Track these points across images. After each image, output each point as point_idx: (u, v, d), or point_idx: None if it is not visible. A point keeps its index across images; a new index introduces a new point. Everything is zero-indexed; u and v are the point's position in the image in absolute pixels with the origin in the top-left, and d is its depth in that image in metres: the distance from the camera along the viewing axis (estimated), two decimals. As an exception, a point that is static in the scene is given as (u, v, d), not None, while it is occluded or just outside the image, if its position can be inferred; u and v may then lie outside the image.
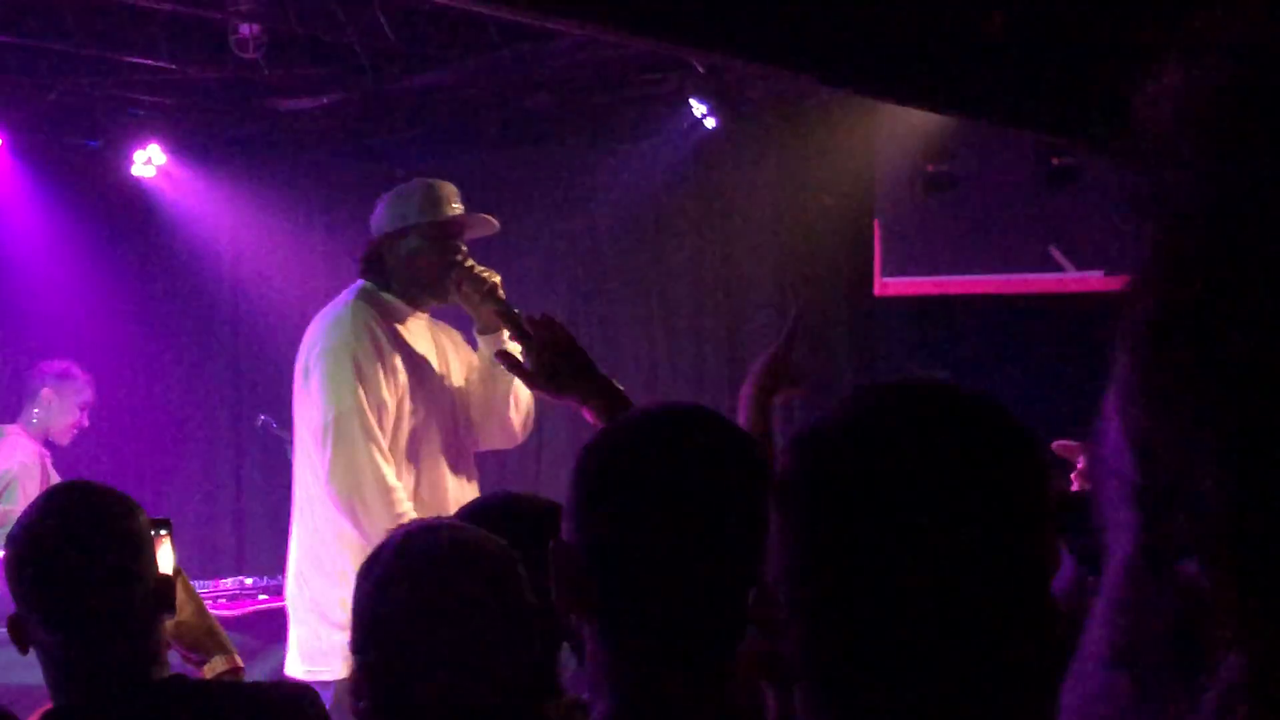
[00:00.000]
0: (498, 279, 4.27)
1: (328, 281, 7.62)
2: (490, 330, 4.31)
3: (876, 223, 6.67)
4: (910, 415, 1.13)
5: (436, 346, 4.43)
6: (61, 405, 6.15)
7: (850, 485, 1.10)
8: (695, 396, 7.05)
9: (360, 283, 4.39)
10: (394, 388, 4.23)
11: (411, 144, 7.53)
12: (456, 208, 4.35)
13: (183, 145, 7.23)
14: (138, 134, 7.03)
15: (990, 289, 6.57)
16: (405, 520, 3.93)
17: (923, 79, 4.53)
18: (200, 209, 7.50)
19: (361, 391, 4.15)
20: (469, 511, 2.36)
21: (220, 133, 7.33)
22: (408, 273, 4.30)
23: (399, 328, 4.33)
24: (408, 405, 4.26)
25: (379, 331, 4.23)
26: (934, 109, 5.40)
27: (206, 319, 7.73)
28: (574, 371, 2.61)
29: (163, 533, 2.37)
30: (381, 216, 4.37)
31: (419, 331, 4.39)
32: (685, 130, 7.15)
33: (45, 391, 6.16)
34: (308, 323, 7.50)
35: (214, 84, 6.71)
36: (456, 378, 4.45)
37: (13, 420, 6.21)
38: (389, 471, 4.12)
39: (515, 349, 2.86)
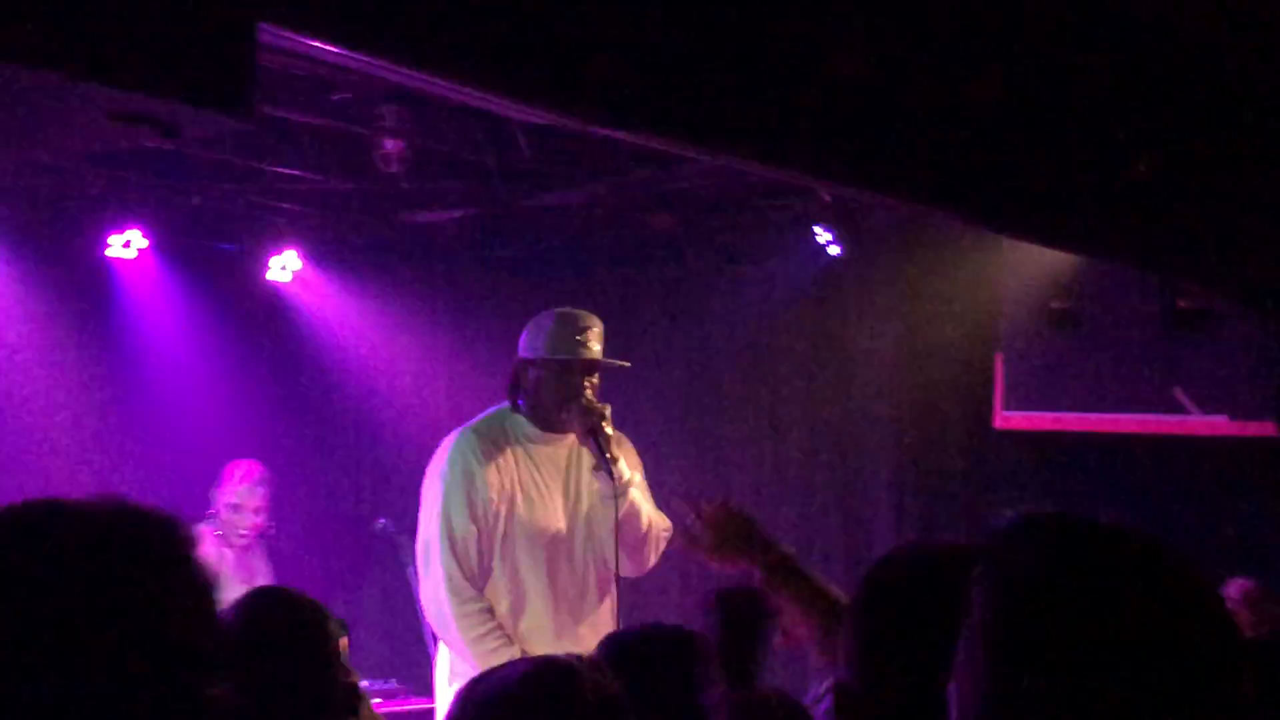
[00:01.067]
0: (607, 412, 4.38)
1: (448, 388, 7.76)
2: (596, 470, 4.43)
3: (999, 356, 6.68)
4: (1113, 563, 1.21)
5: (569, 470, 4.52)
6: (243, 507, 6.16)
7: (1062, 635, 1.18)
8: (801, 519, 7.06)
9: (503, 404, 4.54)
10: (486, 514, 4.36)
11: (537, 258, 7.67)
12: (587, 345, 4.45)
13: (318, 252, 7.41)
14: (276, 240, 7.22)
15: (1112, 427, 6.56)
16: (484, 641, 4.20)
17: (1058, 219, 4.55)
18: (332, 314, 7.66)
19: (448, 519, 4.34)
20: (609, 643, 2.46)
21: (355, 241, 7.51)
22: (534, 401, 4.46)
23: (523, 451, 4.45)
24: (502, 529, 4.38)
25: (483, 458, 4.37)
26: (1067, 248, 5.41)
27: (331, 421, 7.87)
28: (745, 540, 2.84)
29: (343, 636, 2.46)
30: (522, 341, 4.53)
31: (550, 456, 4.49)
32: (807, 256, 7.22)
33: (228, 491, 6.20)
34: (426, 427, 7.75)
35: (353, 195, 6.89)
36: (588, 501, 4.51)
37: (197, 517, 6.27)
38: (464, 594, 4.29)
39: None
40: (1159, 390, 6.43)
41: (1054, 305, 6.44)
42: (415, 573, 6.41)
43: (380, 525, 6.61)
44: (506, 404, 4.53)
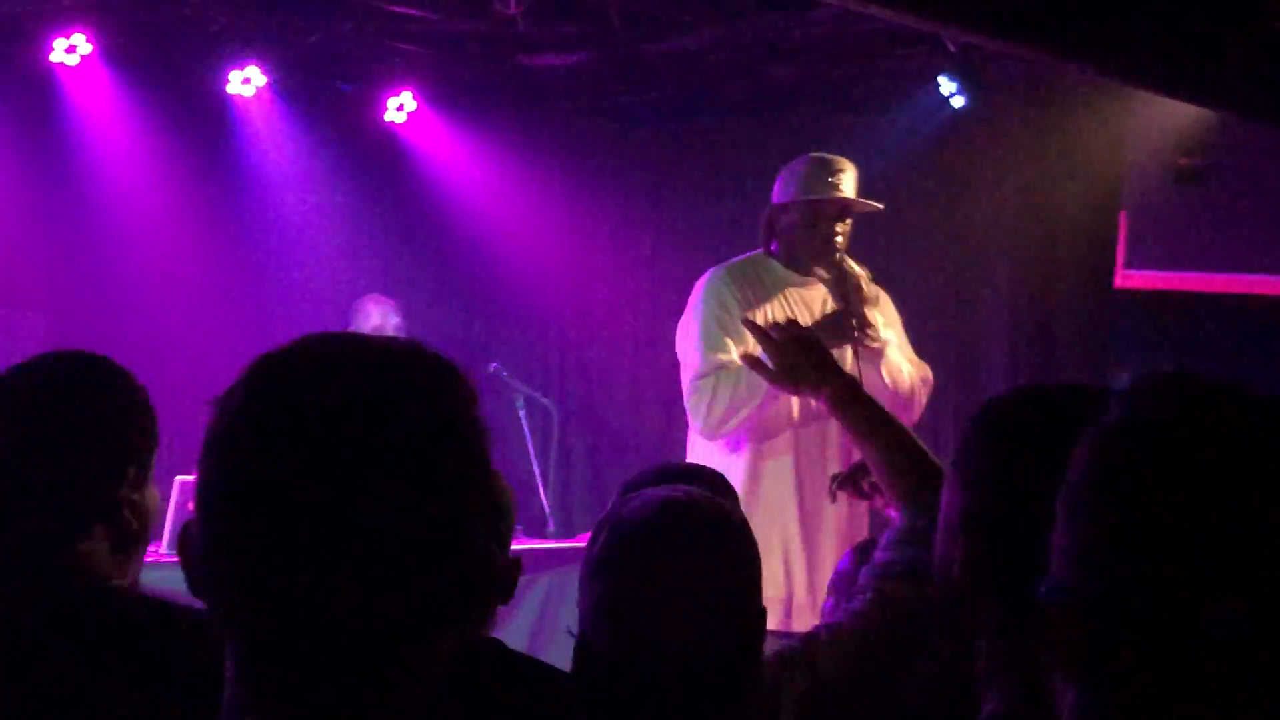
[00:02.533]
0: (862, 278, 4.44)
1: (559, 237, 7.86)
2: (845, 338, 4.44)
3: (1123, 214, 6.64)
4: (1244, 426, 1.16)
5: (823, 314, 4.56)
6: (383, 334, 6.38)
7: (1183, 486, 1.12)
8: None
9: (758, 250, 4.65)
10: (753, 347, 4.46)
11: (654, 106, 7.69)
12: (838, 186, 4.51)
13: (434, 94, 7.47)
14: (393, 80, 7.30)
15: (1238, 288, 6.49)
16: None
17: (1193, 72, 4.48)
18: (446, 157, 7.73)
19: (712, 349, 4.41)
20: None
21: (471, 84, 7.56)
22: (788, 247, 4.57)
23: (780, 294, 4.53)
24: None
25: (738, 293, 4.47)
26: (1199, 103, 5.33)
27: (446, 265, 8.01)
28: (813, 366, 2.82)
29: None
30: (775, 187, 4.62)
31: (807, 300, 4.56)
32: (931, 108, 7.16)
33: (364, 326, 6.37)
34: (537, 272, 7.92)
35: (471, 36, 6.92)
36: (853, 345, 4.50)
37: None
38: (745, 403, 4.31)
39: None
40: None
41: (1182, 161, 6.37)
42: (526, 414, 6.76)
43: (493, 368, 6.80)
44: (758, 250, 4.63)
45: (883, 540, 2.39)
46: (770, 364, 2.93)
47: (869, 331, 4.41)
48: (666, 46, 6.86)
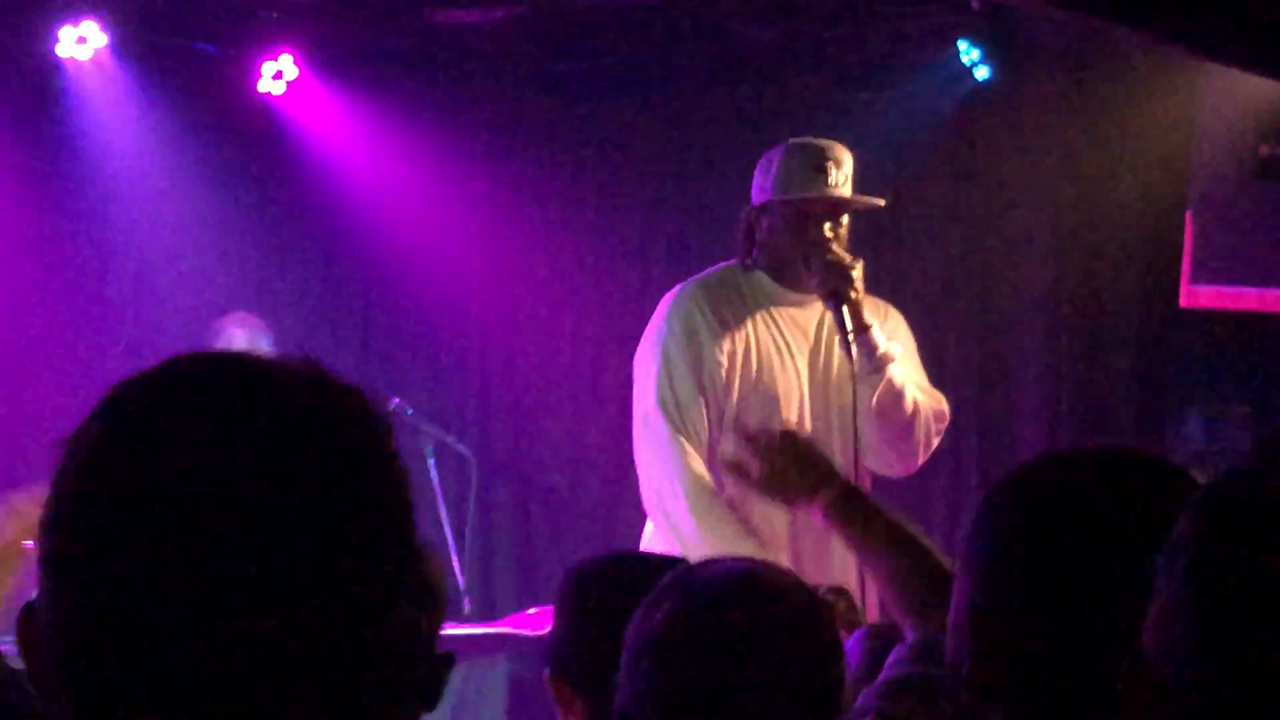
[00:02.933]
0: (856, 269, 4.46)
1: (482, 238, 7.80)
2: (862, 333, 4.50)
3: (1189, 215, 6.67)
4: None
5: (819, 339, 4.62)
6: None
7: None
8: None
9: (733, 261, 4.67)
10: (714, 383, 4.49)
11: (599, 75, 7.68)
12: (827, 181, 4.53)
13: (321, 58, 7.40)
14: (268, 41, 7.22)
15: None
16: (718, 529, 4.32)
17: (1270, 38, 4.50)
18: (336, 136, 7.68)
19: (669, 385, 4.46)
20: None
21: (368, 46, 7.49)
22: (772, 255, 4.59)
23: (763, 312, 4.58)
24: (734, 405, 4.50)
25: (712, 315, 4.51)
26: (1274, 75, 5.36)
27: (336, 275, 7.95)
28: (804, 473, 3.00)
29: None
30: (753, 184, 4.64)
31: (796, 320, 4.61)
32: (948, 80, 7.19)
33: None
34: (456, 286, 7.85)
35: (367, -15, 6.92)
36: (842, 377, 4.57)
37: None
38: (699, 481, 4.40)
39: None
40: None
41: (1264, 151, 6.40)
42: (435, 464, 6.71)
43: (394, 406, 6.69)
44: (734, 261, 4.65)
45: (890, 658, 2.49)
46: (755, 474, 3.10)
47: (866, 336, 4.45)
48: (614, 1, 6.84)
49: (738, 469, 3.24)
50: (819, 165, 4.53)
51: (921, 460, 4.68)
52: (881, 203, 4.68)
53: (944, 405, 4.66)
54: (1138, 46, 6.18)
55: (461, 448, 7.06)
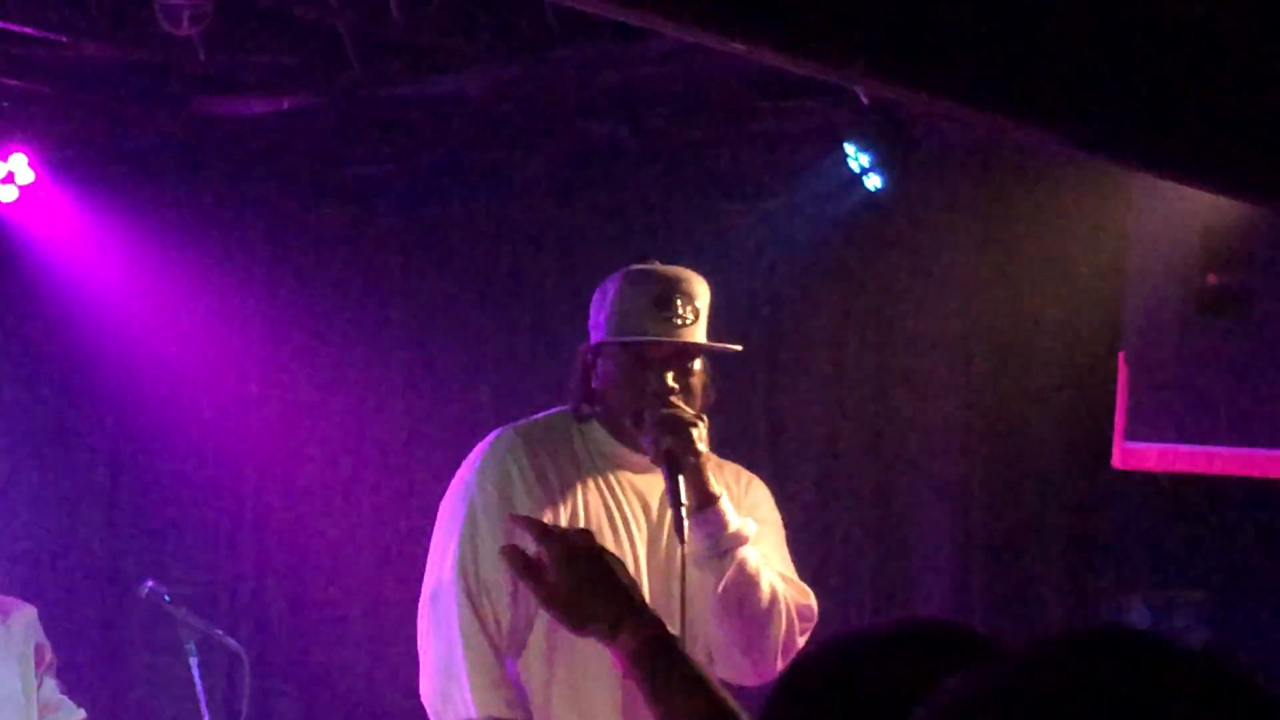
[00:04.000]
0: (698, 428, 4.41)
1: (265, 374, 7.72)
2: (700, 508, 4.45)
3: (1122, 358, 6.68)
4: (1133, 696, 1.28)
5: (663, 511, 4.55)
6: None
7: None
8: (821, 568, 7.04)
9: (568, 407, 4.61)
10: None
11: (410, 178, 7.67)
12: (669, 318, 4.49)
13: (64, 157, 7.37)
14: (-4, 136, 7.21)
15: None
16: None
17: (1214, 151, 4.51)
18: (79, 252, 7.63)
19: (471, 556, 4.40)
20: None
21: (123, 142, 7.46)
22: (607, 405, 4.53)
23: (597, 474, 4.53)
24: None
25: (533, 473, 4.45)
26: (1235, 194, 5.38)
27: (76, 424, 7.81)
28: (606, 597, 2.87)
29: None
30: (591, 314, 4.60)
31: (637, 487, 4.56)
32: (832, 190, 7.21)
33: None
34: (227, 436, 7.76)
35: (122, 69, 6.83)
36: (688, 564, 4.52)
37: None
38: (489, 672, 4.35)
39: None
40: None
41: (1211, 282, 6.41)
42: (199, 662, 6.61)
43: (147, 589, 6.66)
44: (568, 408, 4.59)
45: None
46: (545, 586, 2.93)
47: (712, 511, 4.41)
48: (424, 89, 6.80)
49: (521, 565, 3.00)
50: (663, 299, 4.48)
51: (781, 666, 4.54)
52: (736, 349, 4.60)
53: (811, 600, 4.59)
54: (1057, 153, 6.20)
55: (231, 642, 6.95)
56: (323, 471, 7.77)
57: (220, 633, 6.93)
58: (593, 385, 4.55)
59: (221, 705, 6.98)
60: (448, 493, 4.53)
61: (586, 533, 3.15)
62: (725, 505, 4.45)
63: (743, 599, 4.46)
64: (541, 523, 3.16)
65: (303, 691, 7.73)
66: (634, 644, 2.78)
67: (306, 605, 7.78)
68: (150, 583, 6.68)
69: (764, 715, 1.85)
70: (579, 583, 2.91)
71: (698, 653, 4.45)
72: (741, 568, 4.45)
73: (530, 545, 3.07)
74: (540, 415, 4.63)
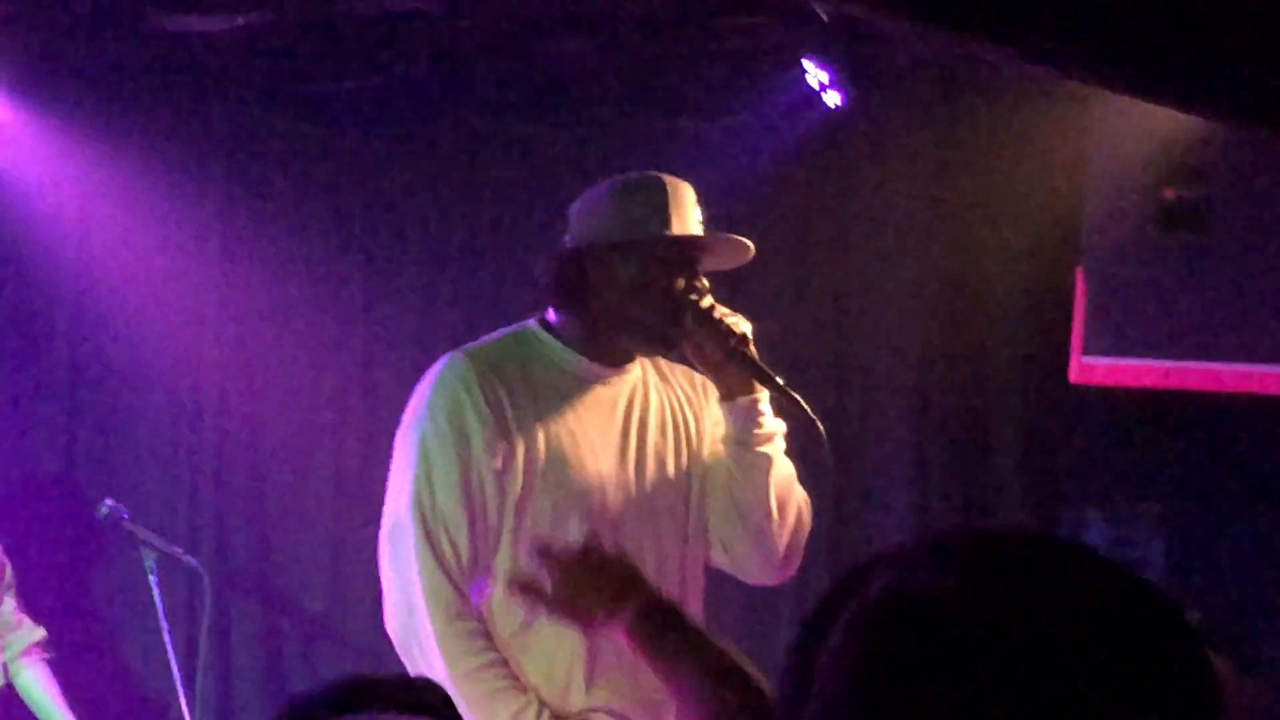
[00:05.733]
0: (748, 329, 4.43)
1: (223, 298, 7.67)
2: (736, 396, 4.47)
3: (1080, 273, 6.70)
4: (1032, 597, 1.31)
5: (630, 419, 4.55)
6: None
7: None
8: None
9: (529, 320, 4.56)
10: (486, 486, 4.40)
11: (369, 98, 7.60)
12: (683, 218, 4.46)
13: (18, 76, 7.28)
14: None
15: (1253, 386, 6.56)
16: (479, 678, 4.30)
17: (1172, 65, 4.50)
18: (26, 174, 7.55)
19: (426, 490, 4.37)
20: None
21: (77, 62, 7.37)
22: (616, 309, 4.46)
23: (556, 390, 4.49)
24: (513, 509, 4.41)
25: (487, 400, 4.39)
26: (1184, 108, 5.38)
27: (37, 349, 7.75)
28: (604, 584, 3.13)
29: None
30: (592, 215, 4.50)
31: (600, 400, 4.53)
32: (792, 108, 7.20)
33: None
34: (186, 359, 7.73)
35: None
36: (676, 462, 4.56)
37: None
38: (450, 606, 4.33)
39: None
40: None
41: (1168, 196, 6.42)
42: (159, 581, 6.61)
43: (107, 509, 6.71)
44: (530, 322, 4.55)
45: None
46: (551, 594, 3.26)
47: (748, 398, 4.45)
48: (382, 5, 6.77)
49: (528, 588, 3.30)
50: (681, 201, 4.47)
51: (792, 571, 4.64)
52: (750, 249, 4.56)
53: (808, 510, 4.64)
54: (1015, 70, 6.19)
55: (191, 560, 7.00)
56: (283, 391, 7.71)
57: (180, 551, 6.96)
58: (586, 292, 4.47)
59: (181, 623, 6.96)
60: (402, 423, 4.49)
61: (589, 545, 3.34)
62: (766, 405, 4.46)
63: (771, 494, 4.48)
64: (543, 542, 3.39)
65: (264, 610, 7.70)
66: (633, 614, 2.96)
67: (267, 524, 7.73)
68: (110, 501, 6.74)
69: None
70: (574, 587, 3.17)
71: (715, 552, 4.58)
72: (773, 462, 4.47)
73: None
74: (491, 337, 4.58)
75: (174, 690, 6.67)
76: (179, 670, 6.70)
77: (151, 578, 6.70)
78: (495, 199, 7.62)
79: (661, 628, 2.91)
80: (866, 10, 5.16)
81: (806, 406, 4.38)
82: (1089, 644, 1.29)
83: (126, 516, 6.71)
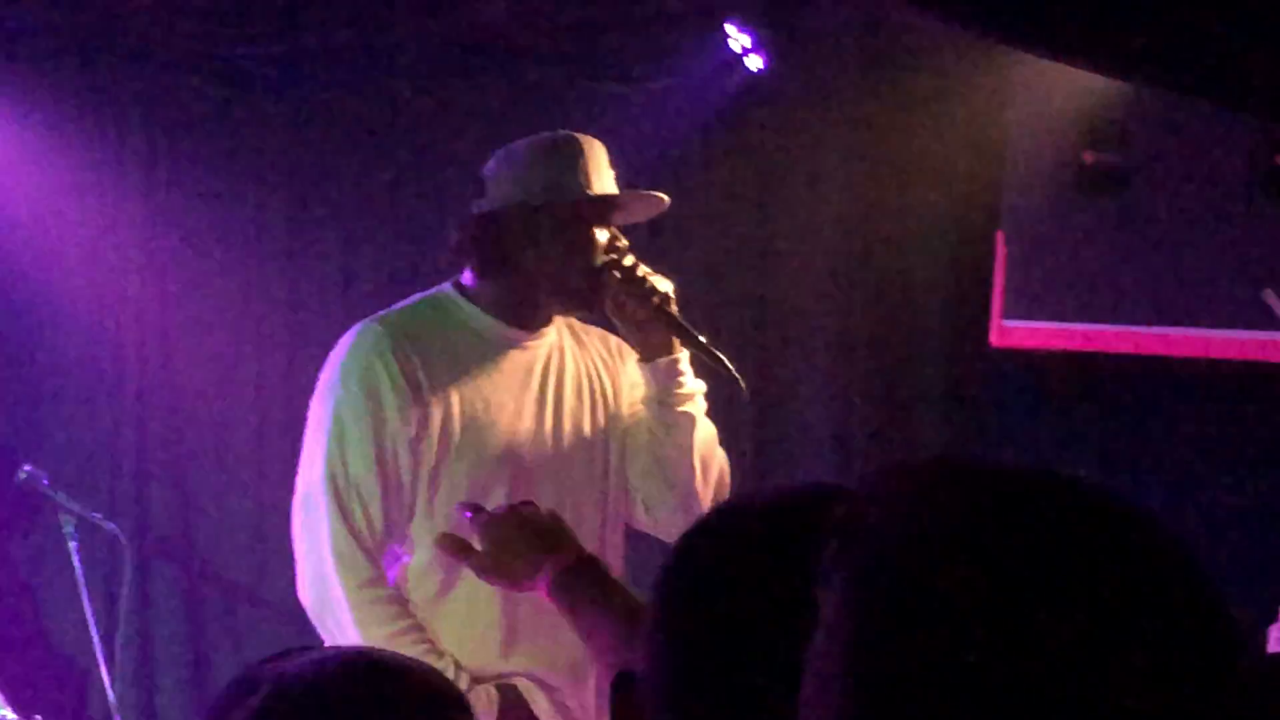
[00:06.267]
0: (670, 288, 4.45)
1: (142, 260, 7.63)
2: (656, 356, 4.49)
3: (1000, 236, 6.71)
4: (1044, 535, 1.29)
5: (546, 379, 4.54)
6: None
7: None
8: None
9: (445, 285, 4.53)
10: (401, 453, 4.37)
11: (288, 62, 7.58)
12: (601, 177, 4.45)
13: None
14: None
15: (1169, 349, 6.60)
16: (394, 644, 4.21)
17: (1092, 27, 4.51)
18: None
19: (339, 457, 4.34)
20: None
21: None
22: (537, 271, 4.45)
23: (472, 354, 4.48)
24: (428, 475, 4.39)
25: (400, 365, 4.37)
26: (1103, 71, 5.39)
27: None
28: (525, 545, 3.23)
29: None
30: (506, 177, 4.47)
31: (516, 363, 4.52)
32: (714, 70, 7.19)
33: None
34: (104, 321, 7.68)
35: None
36: (593, 425, 4.56)
37: None
38: (361, 573, 4.32)
39: None
40: (1242, 293, 6.48)
41: (1087, 159, 6.44)
42: (78, 548, 6.57)
43: (25, 474, 6.70)
44: (445, 286, 4.51)
45: None
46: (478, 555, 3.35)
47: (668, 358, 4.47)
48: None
49: (455, 546, 3.41)
50: (596, 160, 4.45)
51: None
52: (665, 200, 4.57)
53: (727, 471, 4.65)
54: (937, 33, 6.20)
55: (111, 526, 6.95)
56: (205, 357, 7.67)
57: (99, 516, 6.92)
58: (504, 256, 4.45)
59: (101, 589, 6.94)
60: (315, 392, 4.46)
61: (515, 506, 3.45)
62: (684, 357, 4.49)
63: (695, 453, 4.49)
64: (470, 504, 3.51)
65: (185, 576, 7.67)
66: (553, 573, 3.05)
67: (188, 490, 7.69)
68: (28, 467, 6.71)
69: (658, 592, 1.84)
70: (500, 545, 3.26)
71: (638, 513, 4.60)
72: (695, 421, 4.49)
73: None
74: (405, 303, 4.56)
75: (93, 656, 6.64)
76: (99, 636, 6.67)
77: (71, 544, 6.68)
78: (418, 163, 7.58)
79: (584, 584, 2.96)
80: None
81: (729, 365, 4.40)
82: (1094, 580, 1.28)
83: (46, 482, 6.70)
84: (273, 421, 7.54)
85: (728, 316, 7.28)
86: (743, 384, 4.42)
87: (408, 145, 7.63)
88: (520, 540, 3.23)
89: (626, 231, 4.53)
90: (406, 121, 7.64)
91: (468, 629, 4.38)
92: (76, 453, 7.57)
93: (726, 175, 7.38)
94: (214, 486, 7.66)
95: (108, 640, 6.78)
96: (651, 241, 7.28)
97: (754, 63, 7.03)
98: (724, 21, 6.93)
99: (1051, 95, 6.51)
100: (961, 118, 6.88)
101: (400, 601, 4.35)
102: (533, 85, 7.47)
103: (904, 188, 7.03)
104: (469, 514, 3.46)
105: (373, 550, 4.32)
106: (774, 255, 7.31)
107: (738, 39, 6.95)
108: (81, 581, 6.62)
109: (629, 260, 4.42)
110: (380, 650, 2.32)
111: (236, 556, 7.61)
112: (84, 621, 6.64)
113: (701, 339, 4.43)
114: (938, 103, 6.91)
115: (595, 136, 4.57)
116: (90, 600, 6.65)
